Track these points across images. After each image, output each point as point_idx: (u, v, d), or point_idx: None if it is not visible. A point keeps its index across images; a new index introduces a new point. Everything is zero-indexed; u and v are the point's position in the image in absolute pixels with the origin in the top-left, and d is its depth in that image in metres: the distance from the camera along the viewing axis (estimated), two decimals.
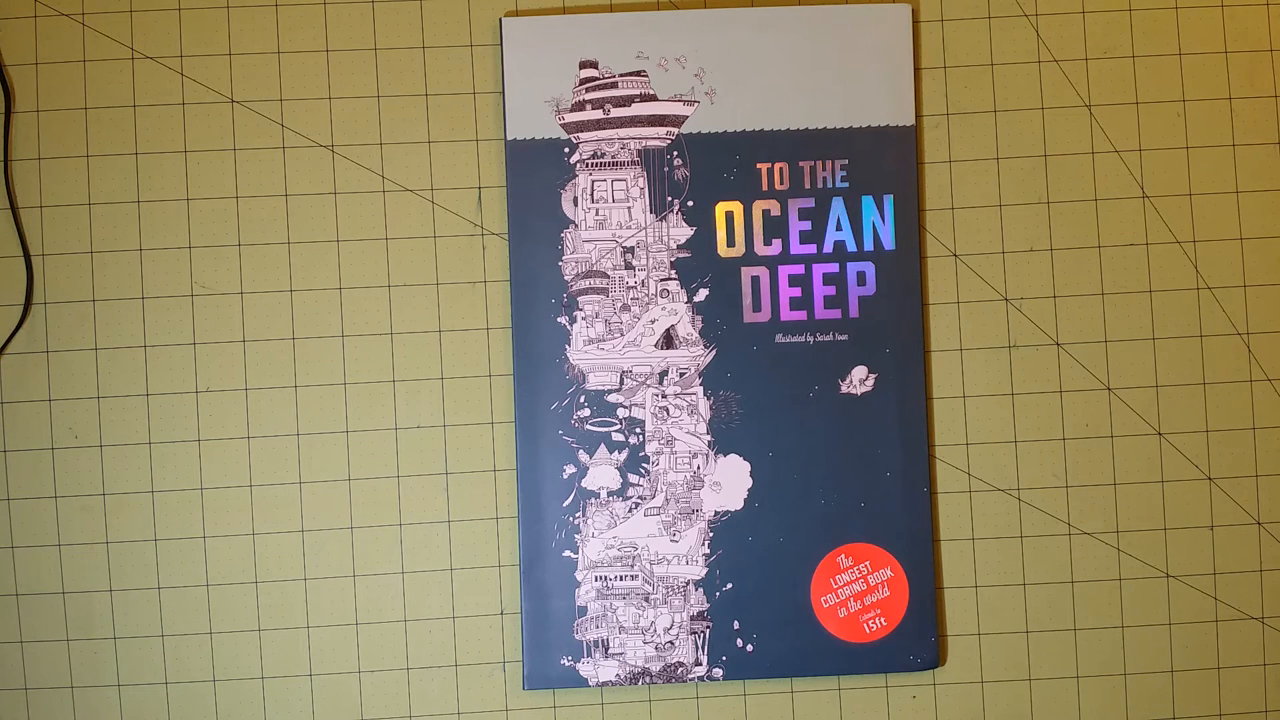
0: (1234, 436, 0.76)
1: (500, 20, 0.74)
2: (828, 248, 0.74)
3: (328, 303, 0.75)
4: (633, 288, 0.74)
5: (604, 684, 0.73)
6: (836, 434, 0.74)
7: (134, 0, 0.75)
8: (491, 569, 0.75)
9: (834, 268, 0.74)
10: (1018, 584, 0.76)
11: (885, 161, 0.75)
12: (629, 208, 0.74)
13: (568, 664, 0.74)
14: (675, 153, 0.74)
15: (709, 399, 0.74)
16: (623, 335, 0.74)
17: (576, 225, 0.74)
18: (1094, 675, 0.75)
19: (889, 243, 0.74)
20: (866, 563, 0.74)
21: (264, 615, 0.75)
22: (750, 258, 0.74)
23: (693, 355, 0.74)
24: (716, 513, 0.74)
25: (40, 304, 0.74)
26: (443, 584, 0.75)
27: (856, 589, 0.74)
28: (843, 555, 0.74)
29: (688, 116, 0.74)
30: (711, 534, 0.74)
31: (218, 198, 0.75)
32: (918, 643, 0.74)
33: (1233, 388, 0.76)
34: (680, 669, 0.74)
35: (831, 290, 0.74)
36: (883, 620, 0.74)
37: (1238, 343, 0.76)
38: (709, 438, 0.74)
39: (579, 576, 0.74)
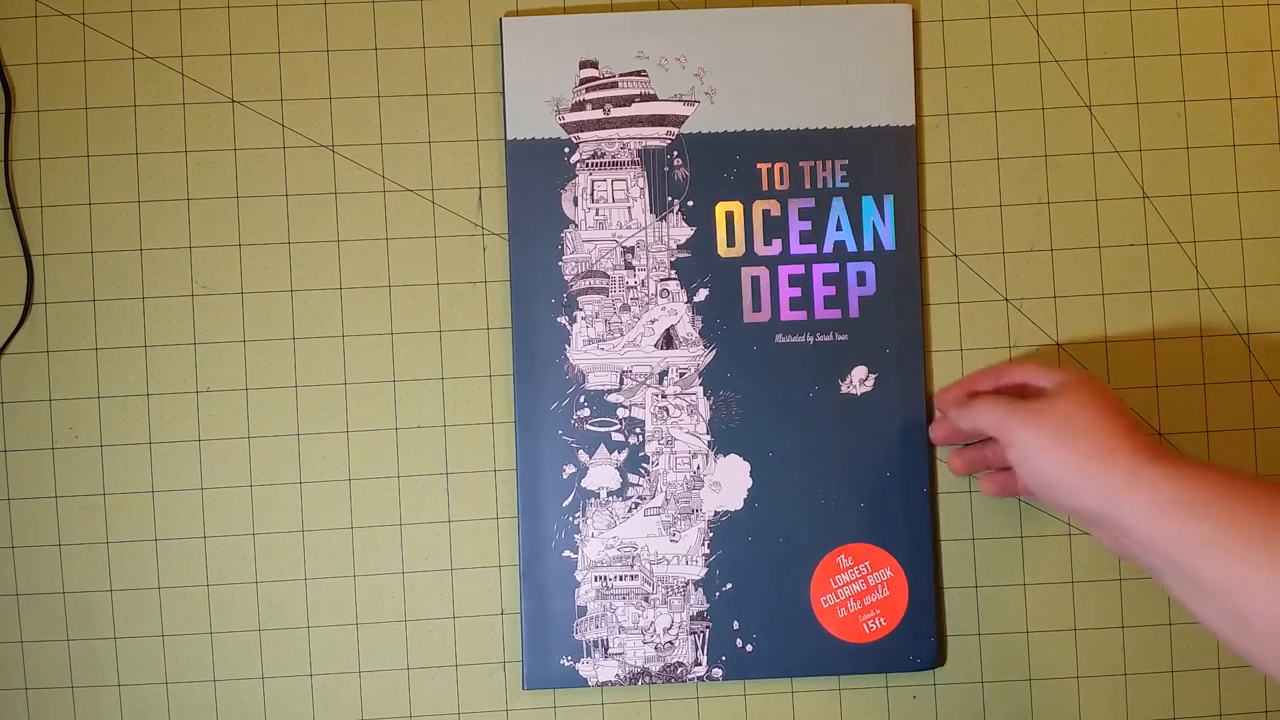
0: (1234, 437, 0.76)
1: (500, 20, 0.74)
2: (828, 248, 0.74)
3: (328, 303, 0.75)
4: (633, 288, 0.74)
5: (604, 684, 0.73)
6: (836, 434, 0.74)
7: (134, 0, 0.75)
8: (492, 569, 0.75)
9: (834, 268, 0.74)
10: (1018, 584, 0.76)
11: (885, 161, 0.75)
12: (629, 208, 0.74)
13: (567, 664, 0.74)
14: (675, 152, 0.74)
15: (709, 399, 0.74)
16: (623, 335, 0.74)
17: (576, 225, 0.74)
18: (1094, 675, 0.75)
19: (889, 243, 0.75)
20: (866, 563, 0.74)
21: (264, 615, 0.75)
22: (750, 258, 0.74)
23: (692, 355, 0.74)
24: (716, 513, 0.74)
25: (40, 304, 0.74)
26: (443, 584, 0.75)
27: (856, 589, 0.74)
28: (842, 555, 0.74)
29: (688, 116, 0.74)
30: (711, 534, 0.74)
31: (218, 198, 0.75)
32: (917, 643, 0.74)
33: (1233, 388, 0.76)
34: (680, 669, 0.74)
35: (831, 290, 0.74)
36: (882, 620, 0.74)
37: (1238, 343, 0.76)
38: (709, 438, 0.74)
39: (579, 576, 0.74)
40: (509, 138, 0.74)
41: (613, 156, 0.74)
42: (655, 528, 0.74)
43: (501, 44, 0.74)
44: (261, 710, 0.74)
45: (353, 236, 0.75)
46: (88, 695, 0.74)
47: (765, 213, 0.74)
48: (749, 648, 0.74)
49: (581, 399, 0.74)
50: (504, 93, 0.74)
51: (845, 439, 0.74)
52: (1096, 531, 0.63)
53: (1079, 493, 0.61)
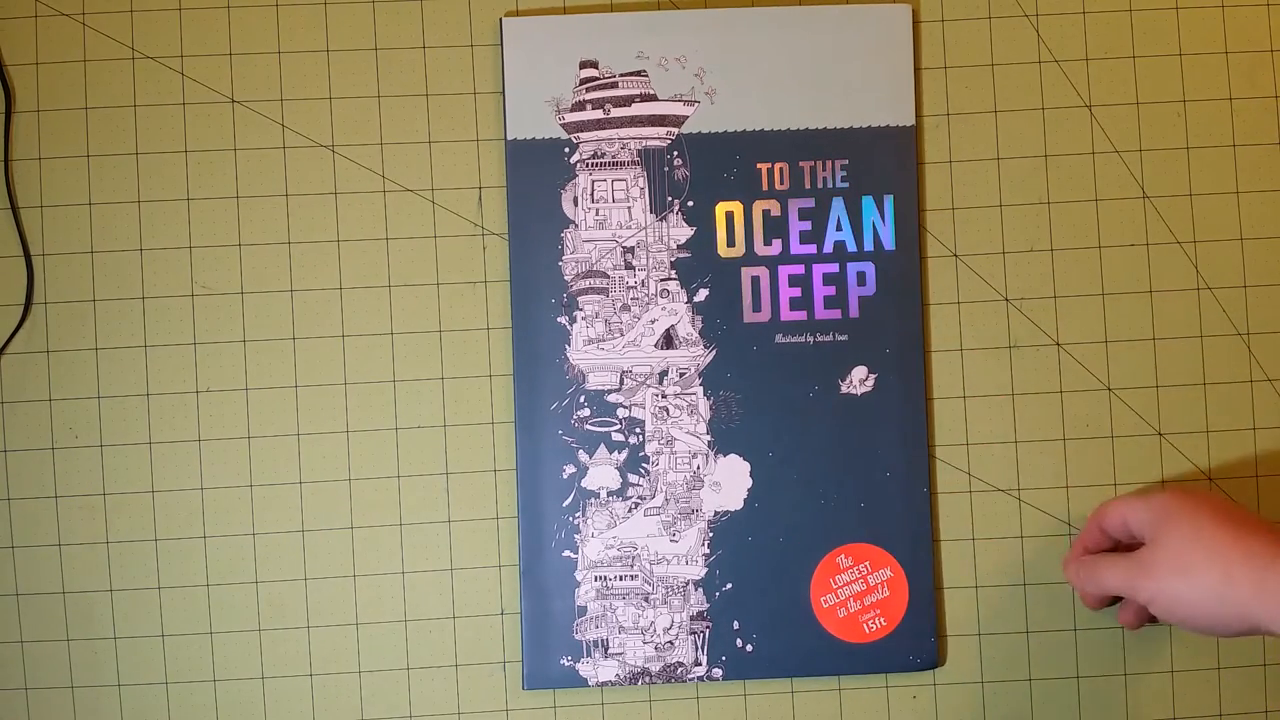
0: (1234, 437, 0.76)
1: (500, 20, 0.74)
2: (828, 248, 0.74)
3: (328, 303, 0.75)
4: (633, 288, 0.74)
5: (604, 684, 0.73)
6: (836, 434, 0.74)
7: (134, 0, 0.75)
8: (492, 569, 0.75)
9: (834, 268, 0.74)
10: (1018, 584, 0.76)
11: (885, 162, 0.75)
12: (629, 208, 0.74)
13: (567, 664, 0.74)
14: (675, 153, 0.74)
15: (709, 399, 0.74)
16: (623, 335, 0.74)
17: (576, 225, 0.74)
18: (1094, 675, 0.75)
19: (889, 243, 0.74)
20: (866, 563, 0.74)
21: (264, 615, 0.75)
22: (750, 258, 0.74)
23: (693, 355, 0.74)
24: (716, 513, 0.74)
25: (40, 304, 0.74)
26: (443, 584, 0.75)
27: (856, 589, 0.74)
28: (842, 555, 0.74)
29: (688, 116, 0.74)
30: (711, 534, 0.74)
31: (218, 198, 0.75)
32: (917, 643, 0.74)
33: (1233, 388, 0.76)
34: (680, 669, 0.74)
35: (831, 290, 0.74)
36: (882, 620, 0.74)
37: (1238, 343, 0.76)
38: (709, 438, 0.74)
39: (579, 576, 0.74)
40: (509, 138, 0.74)
41: (613, 156, 0.74)
42: (655, 528, 0.74)
43: (501, 44, 0.74)
44: (261, 710, 0.74)
45: (353, 236, 0.75)
46: (88, 695, 0.74)
47: (765, 213, 0.74)
48: (749, 648, 0.74)
49: (581, 399, 0.74)
50: (504, 93, 0.74)
51: (845, 439, 0.74)
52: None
53: (1224, 622, 0.61)
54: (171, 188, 0.75)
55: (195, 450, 0.75)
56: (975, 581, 0.76)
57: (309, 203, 0.75)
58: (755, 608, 0.74)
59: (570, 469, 0.74)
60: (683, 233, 0.74)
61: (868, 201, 0.74)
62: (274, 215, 0.75)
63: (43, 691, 0.74)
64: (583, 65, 0.74)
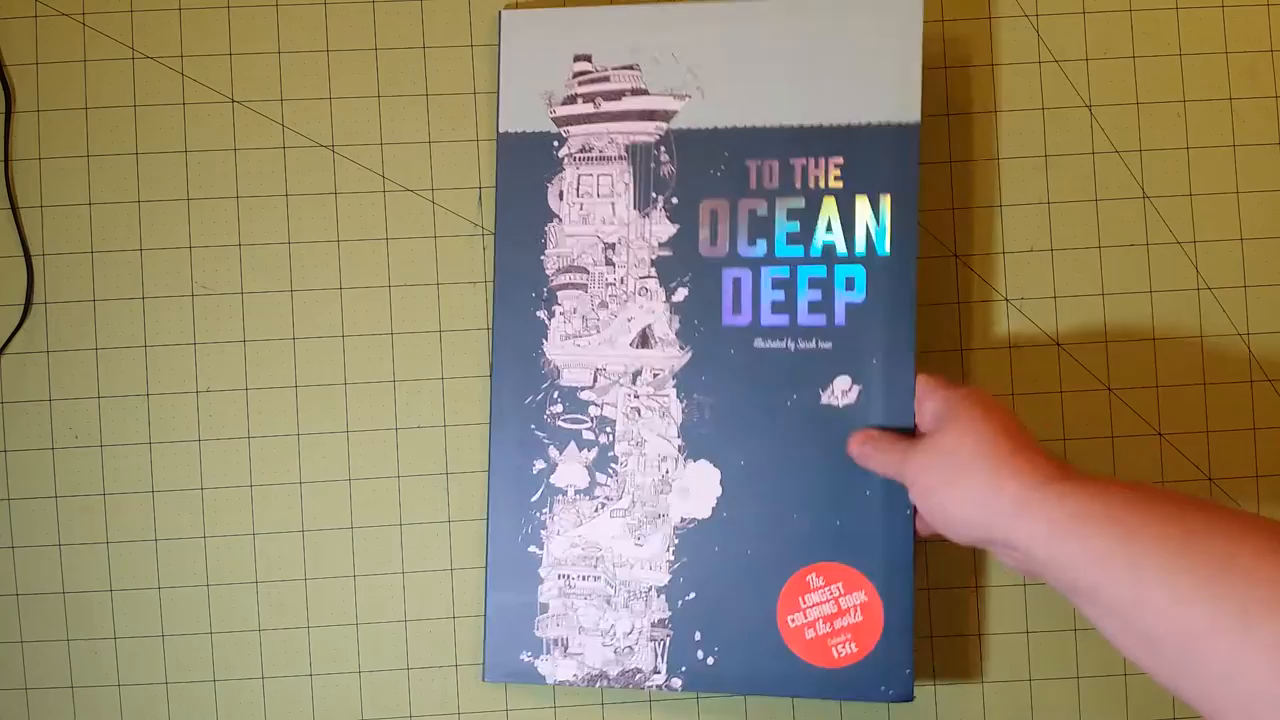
0: (1234, 437, 0.76)
1: (499, 13, 0.74)
2: (815, 250, 0.71)
3: (328, 303, 0.75)
4: (612, 284, 0.73)
5: (560, 683, 0.72)
6: (814, 446, 0.71)
7: (134, 0, 0.75)
8: None
9: (821, 272, 0.71)
10: (1018, 585, 0.76)
11: (884, 161, 0.71)
12: (613, 203, 0.73)
13: (527, 659, 0.72)
14: (663, 148, 0.73)
15: (681, 401, 0.72)
16: (599, 332, 0.73)
17: (561, 219, 0.73)
18: (1094, 675, 0.75)
19: (882, 247, 0.71)
20: (839, 584, 0.70)
21: (264, 615, 0.75)
22: (733, 258, 0.72)
23: (667, 356, 0.72)
24: (683, 519, 0.71)
25: (40, 304, 0.75)
26: (443, 584, 0.75)
27: (826, 610, 0.70)
28: (814, 574, 0.70)
29: (677, 111, 0.73)
30: (677, 540, 0.71)
31: (218, 198, 0.75)
32: (889, 672, 0.70)
33: (1233, 388, 0.76)
34: (639, 675, 0.72)
35: (817, 295, 0.71)
36: (853, 646, 0.70)
37: (1238, 343, 0.76)
38: (680, 441, 0.72)
39: (543, 573, 0.72)
40: (500, 130, 0.73)
41: (600, 151, 0.73)
42: (621, 530, 0.72)
43: (499, 36, 0.74)
44: (261, 710, 0.75)
45: (353, 236, 0.75)
46: (88, 695, 0.74)
47: (751, 212, 0.72)
48: (710, 660, 0.71)
49: (556, 394, 0.73)
50: (499, 84, 0.74)
51: (823, 452, 0.70)
52: (1006, 553, 0.60)
53: (978, 526, 0.58)
54: (171, 188, 0.75)
55: (195, 450, 0.75)
56: (975, 582, 0.76)
57: (309, 203, 0.75)
58: (718, 620, 0.71)
59: (540, 464, 0.73)
60: (665, 230, 0.72)
61: (862, 203, 0.71)
62: (274, 215, 0.75)
63: (43, 691, 0.74)
64: (577, 59, 0.73)
